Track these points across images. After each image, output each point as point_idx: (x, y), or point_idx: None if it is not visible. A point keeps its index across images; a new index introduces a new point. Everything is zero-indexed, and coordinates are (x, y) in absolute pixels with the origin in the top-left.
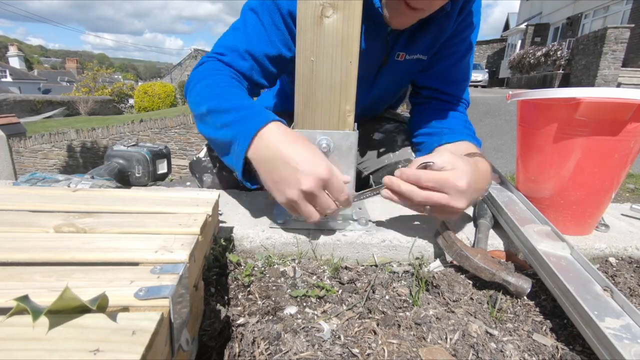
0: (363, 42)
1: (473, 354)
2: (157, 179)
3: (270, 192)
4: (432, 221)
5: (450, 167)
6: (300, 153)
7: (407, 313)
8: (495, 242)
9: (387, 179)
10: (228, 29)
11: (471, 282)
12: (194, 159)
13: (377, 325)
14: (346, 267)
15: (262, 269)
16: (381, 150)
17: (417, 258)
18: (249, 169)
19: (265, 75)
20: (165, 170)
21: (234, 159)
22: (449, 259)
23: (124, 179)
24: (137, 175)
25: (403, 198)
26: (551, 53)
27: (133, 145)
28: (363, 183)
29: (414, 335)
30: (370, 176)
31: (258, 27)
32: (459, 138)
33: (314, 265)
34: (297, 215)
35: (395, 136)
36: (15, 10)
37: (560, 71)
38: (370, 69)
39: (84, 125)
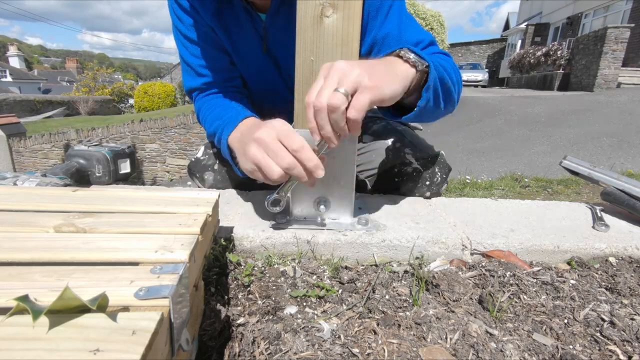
0: (242, 40)
1: (473, 354)
2: (119, 178)
3: (240, 164)
4: (432, 221)
5: None
6: (259, 125)
7: (407, 313)
8: (523, 239)
9: (307, 122)
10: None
11: (471, 282)
12: (192, 160)
13: (377, 325)
14: (346, 267)
15: (262, 268)
16: (373, 154)
17: (417, 258)
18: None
19: (223, 67)
20: (127, 170)
21: (222, 149)
22: (449, 258)
23: (84, 178)
24: (97, 174)
25: (325, 119)
26: (551, 53)
27: (95, 145)
28: (361, 186)
29: (414, 335)
30: (367, 180)
31: (180, 44)
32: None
33: (314, 265)
34: (261, 178)
35: (385, 138)
36: (10, 8)
37: (561, 71)
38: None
39: (84, 125)
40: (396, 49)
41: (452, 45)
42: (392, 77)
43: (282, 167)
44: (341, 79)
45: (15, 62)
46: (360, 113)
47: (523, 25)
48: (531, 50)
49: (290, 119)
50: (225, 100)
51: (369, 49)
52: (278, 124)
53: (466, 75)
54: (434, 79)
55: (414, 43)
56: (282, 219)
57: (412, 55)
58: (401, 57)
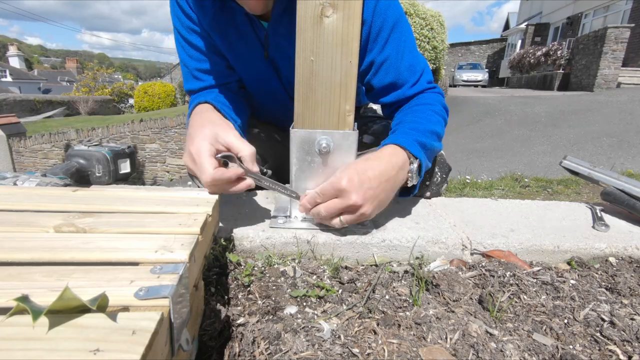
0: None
1: (473, 354)
2: (119, 178)
3: None
4: (432, 221)
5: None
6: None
7: (407, 313)
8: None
9: (301, 205)
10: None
11: (471, 282)
12: None
13: (377, 325)
14: (346, 267)
15: (262, 268)
16: None
17: (417, 258)
18: None
19: (219, 72)
20: (128, 170)
21: None
22: (449, 258)
23: (84, 179)
24: (97, 174)
25: (317, 217)
26: (551, 53)
27: (95, 145)
28: None
29: (414, 335)
30: None
31: (179, 49)
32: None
33: (314, 265)
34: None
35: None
36: (9, 8)
37: (560, 71)
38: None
39: (84, 125)
40: (411, 151)
41: (452, 45)
42: (389, 198)
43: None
44: (350, 212)
45: (15, 62)
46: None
47: (523, 25)
48: (531, 50)
49: (289, 120)
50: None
51: (366, 69)
52: (195, 153)
53: (466, 75)
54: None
55: (408, 69)
56: (282, 218)
57: (415, 169)
58: (408, 172)
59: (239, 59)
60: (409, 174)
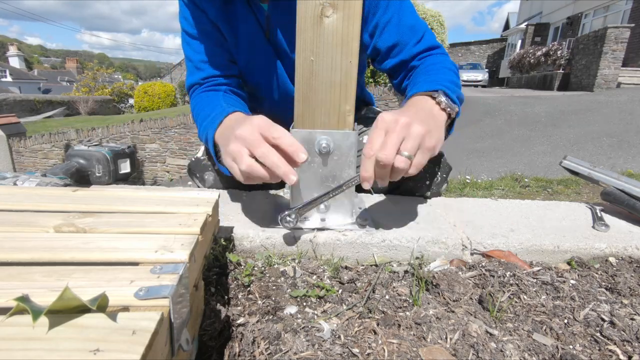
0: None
1: (473, 354)
2: (119, 178)
3: (222, 158)
4: (432, 221)
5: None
6: (241, 122)
7: (407, 313)
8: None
9: (363, 172)
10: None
11: (471, 282)
12: (193, 159)
13: (377, 325)
14: (346, 267)
15: (262, 268)
16: None
17: (417, 258)
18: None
19: (221, 64)
20: (128, 170)
21: (209, 145)
22: (449, 258)
23: (84, 179)
24: (97, 174)
25: (385, 173)
26: (551, 53)
27: (95, 145)
28: (359, 188)
29: (414, 335)
30: None
31: (185, 37)
32: (410, 95)
33: (314, 265)
34: (238, 173)
35: None
36: (8, 7)
37: (560, 71)
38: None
39: (84, 125)
40: (429, 89)
41: (452, 45)
42: (441, 133)
43: (256, 155)
44: (406, 137)
45: (15, 62)
46: (418, 169)
47: (523, 25)
48: (531, 50)
49: (291, 112)
50: (215, 98)
51: (371, 32)
52: (258, 120)
53: (466, 75)
54: (458, 115)
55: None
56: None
57: (444, 99)
58: (438, 104)
59: (242, 45)
60: (442, 106)
